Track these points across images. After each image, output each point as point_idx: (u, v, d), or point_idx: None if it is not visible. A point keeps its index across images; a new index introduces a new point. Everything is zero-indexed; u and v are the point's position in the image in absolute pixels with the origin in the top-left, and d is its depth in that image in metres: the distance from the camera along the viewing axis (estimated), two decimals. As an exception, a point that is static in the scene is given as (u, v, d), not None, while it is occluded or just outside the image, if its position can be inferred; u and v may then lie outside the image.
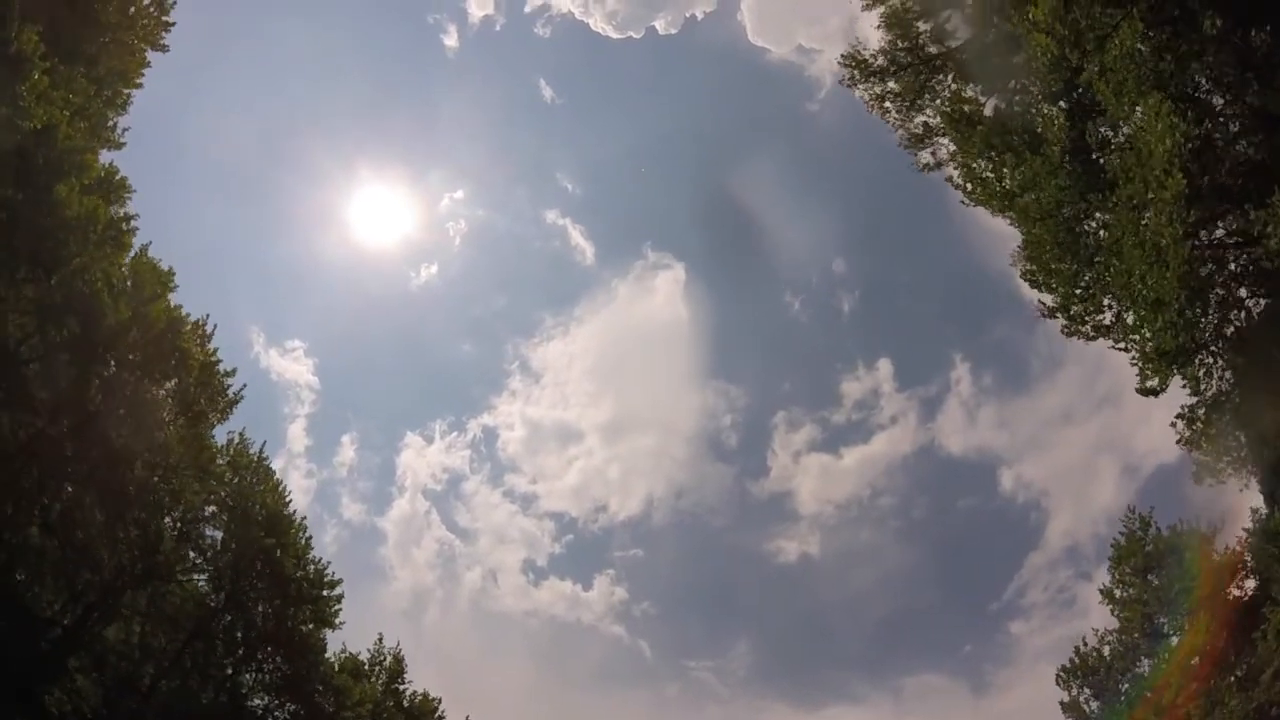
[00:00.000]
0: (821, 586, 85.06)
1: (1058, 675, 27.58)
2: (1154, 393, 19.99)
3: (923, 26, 27.91)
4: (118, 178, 27.33)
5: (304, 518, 27.77)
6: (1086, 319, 22.94)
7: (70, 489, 23.06)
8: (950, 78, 27.03)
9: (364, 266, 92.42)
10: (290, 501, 27.51)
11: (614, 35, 78.94)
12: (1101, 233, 21.94)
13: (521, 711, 70.78)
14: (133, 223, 23.95)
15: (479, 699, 70.05)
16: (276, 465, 73.52)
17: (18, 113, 21.42)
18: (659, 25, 79.22)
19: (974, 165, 23.83)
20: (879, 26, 27.76)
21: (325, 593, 27.73)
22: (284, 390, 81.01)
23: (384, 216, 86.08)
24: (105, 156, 27.88)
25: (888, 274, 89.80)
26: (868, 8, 27.86)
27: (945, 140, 26.30)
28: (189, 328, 24.47)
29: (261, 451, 27.11)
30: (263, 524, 26.55)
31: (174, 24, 27.97)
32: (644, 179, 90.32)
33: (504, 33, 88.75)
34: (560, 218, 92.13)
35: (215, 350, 24.75)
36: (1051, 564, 77.04)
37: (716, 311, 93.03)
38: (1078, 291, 22.90)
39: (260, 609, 27.80)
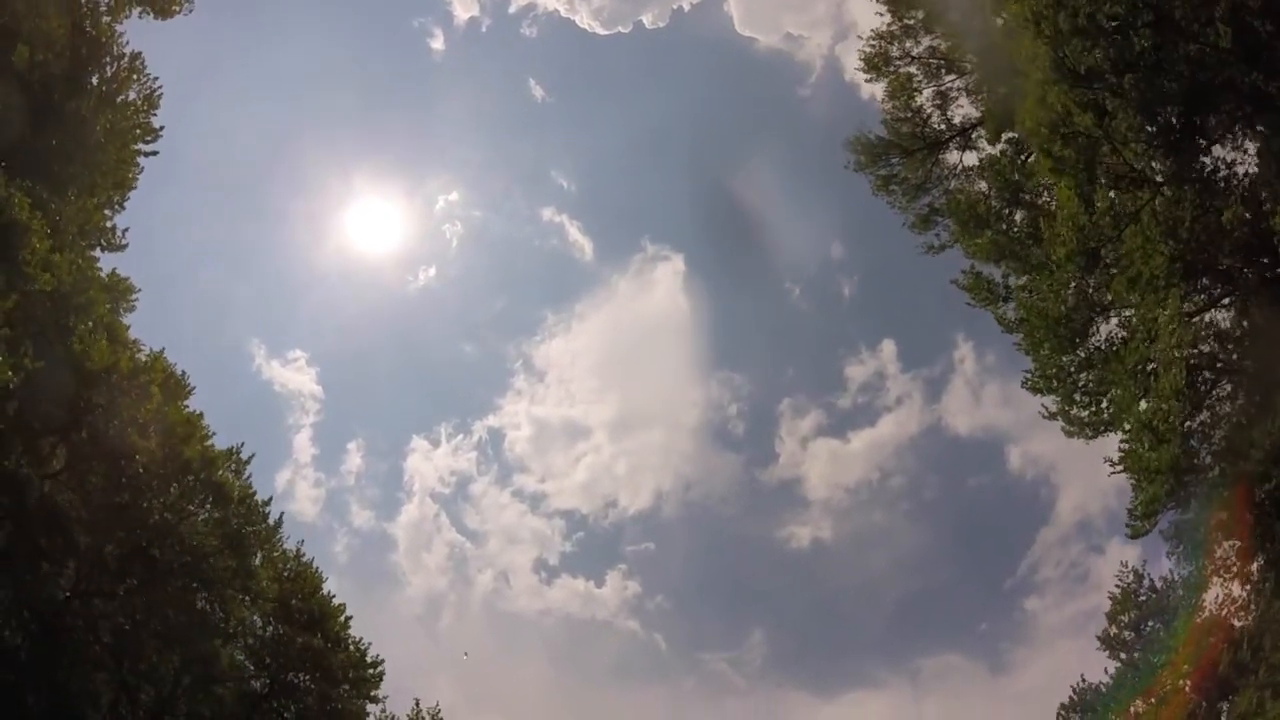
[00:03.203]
0: (835, 572, 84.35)
1: (1058, 712, 29.78)
2: (1142, 533, 21.09)
3: (927, 93, 27.62)
4: (123, 285, 27.63)
5: (343, 604, 29.30)
6: (1087, 423, 23.74)
7: (127, 625, 24.19)
8: (960, 156, 26.97)
9: (362, 273, 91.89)
10: (331, 593, 28.92)
11: (602, 31, 77.66)
12: (1107, 353, 22.47)
13: (540, 712, 72.21)
14: (151, 372, 24.07)
15: (497, 701, 70.75)
16: (283, 477, 74.18)
17: (22, 279, 21.42)
18: (646, 20, 77.83)
19: (980, 272, 24.15)
20: (883, 100, 27.50)
21: (367, 672, 29.46)
22: (288, 401, 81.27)
23: (379, 222, 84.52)
24: (108, 261, 27.98)
25: (887, 256, 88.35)
26: (871, 80, 27.52)
27: (951, 222, 26.45)
28: (220, 457, 25.18)
29: (299, 549, 28.39)
30: (305, 622, 27.98)
31: (163, 129, 27.30)
32: (638, 173, 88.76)
33: (490, 34, 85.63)
34: (557, 215, 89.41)
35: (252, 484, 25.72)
36: (1063, 539, 77.03)
37: (717, 301, 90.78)
38: (1076, 397, 23.60)
39: (302, 684, 29.57)
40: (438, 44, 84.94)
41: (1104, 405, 23.37)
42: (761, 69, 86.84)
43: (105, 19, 28.33)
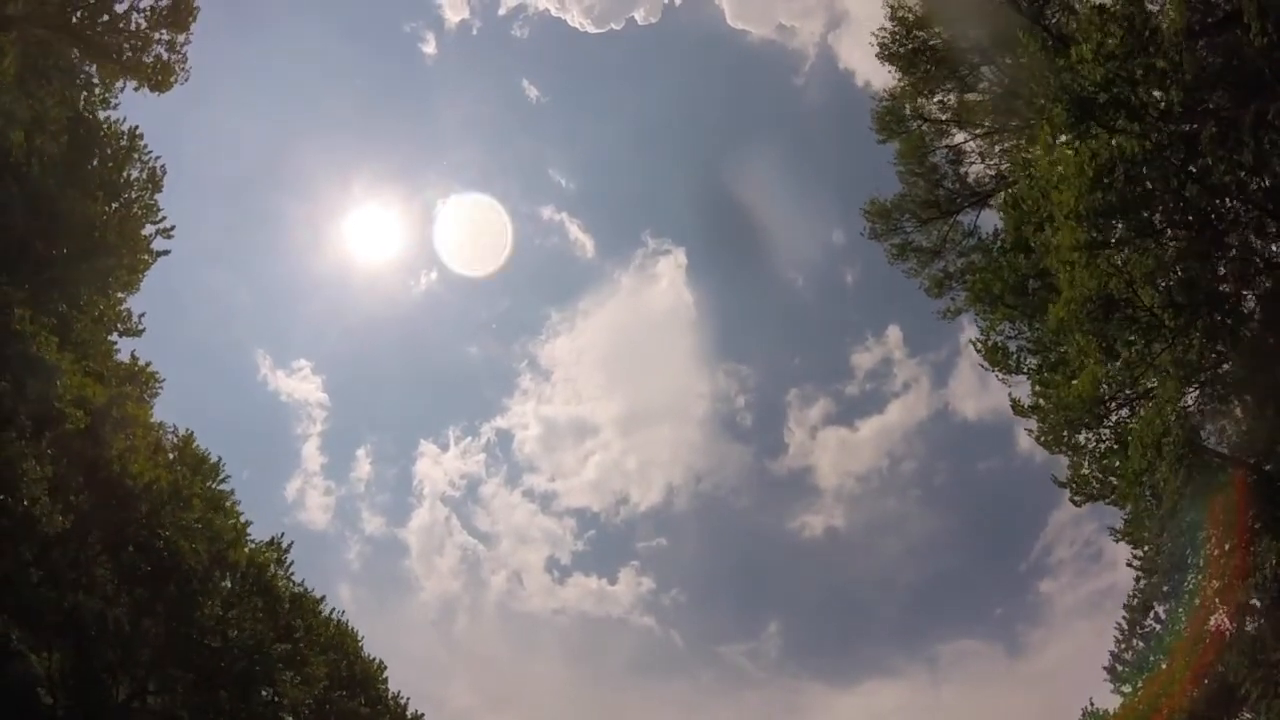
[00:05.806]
0: (848, 560, 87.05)
1: (1065, 732, 31.38)
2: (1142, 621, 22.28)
3: (940, 153, 27.33)
4: (145, 373, 27.86)
5: (383, 662, 30.82)
6: (1095, 493, 24.51)
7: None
8: (975, 217, 26.94)
9: (364, 279, 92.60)
10: (372, 656, 30.35)
11: (593, 29, 77.06)
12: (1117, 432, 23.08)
13: (559, 711, 74.24)
14: (192, 485, 24.60)
15: (515, 701, 73.14)
16: (294, 486, 75.13)
17: (56, 420, 21.76)
18: (638, 16, 77.00)
19: (994, 342, 24.49)
20: (894, 162, 27.29)
21: (406, 721, 31.24)
22: (295, 410, 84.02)
23: (380, 227, 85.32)
24: (126, 345, 28.12)
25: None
26: (883, 142, 27.21)
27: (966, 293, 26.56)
28: (266, 555, 26.03)
29: (341, 619, 29.64)
30: (346, 680, 29.45)
31: (174, 227, 26.87)
32: (637, 169, 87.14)
33: (481, 36, 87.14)
34: (556, 213, 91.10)
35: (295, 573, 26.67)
36: (1075, 520, 76.83)
37: (720, 293, 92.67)
38: (1085, 469, 24.30)
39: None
40: (429, 48, 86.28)
41: (1112, 480, 24.23)
42: (755, 60, 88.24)
43: (98, 90, 27.79)
